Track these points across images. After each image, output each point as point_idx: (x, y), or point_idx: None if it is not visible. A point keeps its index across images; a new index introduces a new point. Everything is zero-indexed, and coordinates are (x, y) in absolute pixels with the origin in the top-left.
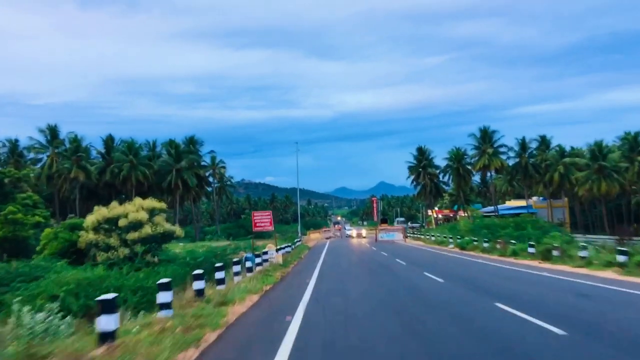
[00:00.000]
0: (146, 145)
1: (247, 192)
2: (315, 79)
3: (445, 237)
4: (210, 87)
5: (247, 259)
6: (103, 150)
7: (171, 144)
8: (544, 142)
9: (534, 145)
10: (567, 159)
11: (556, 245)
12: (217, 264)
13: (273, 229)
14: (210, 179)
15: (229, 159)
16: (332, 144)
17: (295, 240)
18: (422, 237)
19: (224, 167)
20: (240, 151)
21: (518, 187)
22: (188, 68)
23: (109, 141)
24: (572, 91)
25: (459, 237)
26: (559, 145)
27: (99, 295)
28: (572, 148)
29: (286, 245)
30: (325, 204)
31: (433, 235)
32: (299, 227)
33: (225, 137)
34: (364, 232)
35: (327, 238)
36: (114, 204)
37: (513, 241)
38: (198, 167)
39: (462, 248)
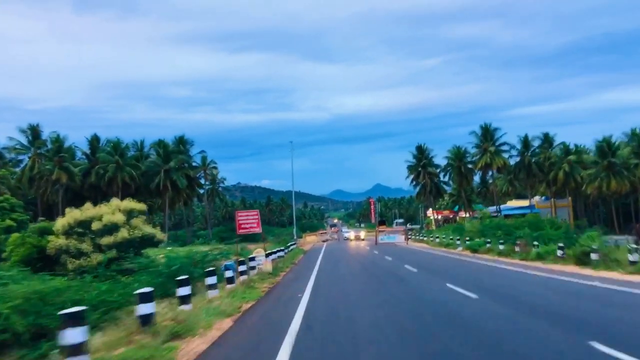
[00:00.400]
0: (134, 146)
1: (243, 195)
2: (312, 81)
3: (451, 238)
4: (207, 91)
5: (226, 268)
6: (88, 151)
7: (160, 143)
8: (546, 139)
9: (536, 143)
10: (572, 157)
11: (595, 247)
12: (180, 277)
13: (261, 230)
14: (203, 181)
15: (225, 162)
16: (328, 147)
17: (289, 244)
18: (425, 239)
19: (215, 168)
20: (236, 154)
21: (519, 187)
22: (184, 72)
23: (94, 141)
24: (570, 92)
25: (468, 238)
26: (562, 143)
27: (52, 312)
28: (576, 146)
29: (278, 249)
30: (322, 207)
31: (437, 237)
32: (294, 230)
33: (221, 140)
34: (362, 234)
35: (323, 241)
36: (88, 205)
37: (535, 243)
38: (188, 167)
39: (474, 251)
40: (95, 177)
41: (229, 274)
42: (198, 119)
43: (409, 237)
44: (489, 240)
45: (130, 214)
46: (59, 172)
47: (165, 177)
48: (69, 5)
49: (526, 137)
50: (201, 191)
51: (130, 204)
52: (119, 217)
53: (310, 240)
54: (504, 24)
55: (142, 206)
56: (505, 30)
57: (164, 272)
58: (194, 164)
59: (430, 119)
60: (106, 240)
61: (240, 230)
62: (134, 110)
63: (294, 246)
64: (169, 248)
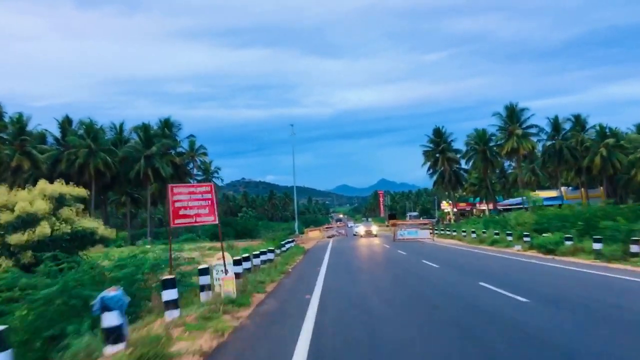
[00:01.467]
0: (112, 129)
1: (246, 190)
2: (315, 77)
3: (497, 234)
4: (210, 87)
5: (104, 307)
6: (58, 135)
7: (142, 127)
8: (578, 122)
9: (567, 126)
10: (610, 140)
11: None
12: None
13: (216, 220)
14: (195, 172)
15: (229, 157)
16: (332, 142)
17: (284, 242)
18: (456, 234)
19: (205, 154)
20: (240, 150)
21: (542, 176)
22: (187, 67)
23: (65, 123)
24: (574, 85)
25: (526, 233)
26: (599, 125)
27: None
28: (611, 129)
29: (264, 250)
30: (327, 202)
31: (473, 232)
32: (295, 224)
33: (225, 136)
34: (374, 229)
35: (329, 237)
36: (1, 189)
37: None
38: (175, 154)
39: (550, 251)
40: (65, 164)
41: (109, 320)
42: (202, 114)
43: (435, 232)
44: (568, 236)
45: (60, 201)
46: (19, 158)
47: (146, 164)
48: (72, 1)
49: (556, 118)
50: (191, 181)
51: (60, 187)
52: (40, 206)
53: (313, 235)
54: (507, 17)
55: (80, 191)
56: (508, 23)
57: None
58: (180, 149)
59: (435, 114)
60: (17, 238)
61: (178, 220)
62: (137, 107)
63: (293, 244)
64: (148, 246)
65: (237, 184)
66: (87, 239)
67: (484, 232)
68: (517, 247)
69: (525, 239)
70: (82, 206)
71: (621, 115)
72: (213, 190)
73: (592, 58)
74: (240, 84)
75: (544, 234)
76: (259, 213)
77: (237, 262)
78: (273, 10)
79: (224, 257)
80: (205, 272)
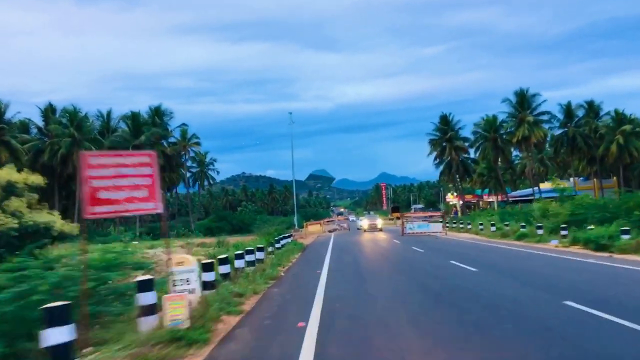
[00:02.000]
0: (99, 117)
1: (246, 184)
2: (315, 71)
3: (523, 226)
4: (209, 81)
5: None
6: (41, 124)
7: (130, 115)
8: (591, 109)
9: (579, 113)
10: (626, 127)
11: None
12: None
13: (158, 207)
14: (189, 163)
15: (229, 152)
16: (332, 136)
17: (279, 237)
18: (471, 227)
19: (198, 143)
20: (240, 145)
21: (552, 167)
22: (186, 62)
23: (48, 112)
24: (575, 78)
25: (563, 226)
26: (615, 111)
27: None
28: (625, 116)
29: (250, 249)
30: (327, 196)
31: (493, 225)
32: (295, 218)
33: (225, 130)
34: (379, 222)
35: (330, 231)
36: None
37: None
38: (167, 144)
39: (602, 248)
40: (48, 155)
41: None
42: (201, 109)
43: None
44: (625, 228)
45: (9, 190)
46: None
47: None
48: None
49: (569, 105)
50: (188, 174)
51: (10, 174)
52: None
53: (313, 230)
54: (507, 10)
55: (35, 179)
56: (509, 17)
57: None
58: (172, 139)
59: (434, 107)
60: None
61: (96, 209)
62: (137, 102)
63: (290, 239)
64: (135, 242)
65: (237, 178)
66: (41, 234)
67: (506, 225)
68: (554, 242)
69: (563, 232)
70: (36, 196)
71: (622, 107)
72: (155, 162)
73: (593, 50)
74: (239, 79)
75: (588, 227)
76: (259, 207)
77: (208, 267)
78: (272, 4)
79: (171, 262)
80: (147, 286)
